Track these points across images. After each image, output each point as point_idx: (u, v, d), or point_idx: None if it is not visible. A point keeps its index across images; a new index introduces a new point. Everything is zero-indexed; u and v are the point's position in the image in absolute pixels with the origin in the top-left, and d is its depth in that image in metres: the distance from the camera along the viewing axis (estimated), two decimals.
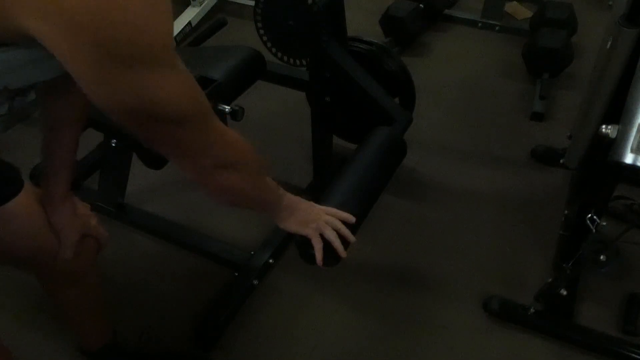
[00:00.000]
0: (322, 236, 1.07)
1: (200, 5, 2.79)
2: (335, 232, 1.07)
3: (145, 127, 0.71)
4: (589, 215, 1.28)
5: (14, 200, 0.92)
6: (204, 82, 1.31)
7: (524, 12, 2.84)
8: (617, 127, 1.09)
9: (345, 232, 1.09)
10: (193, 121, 0.74)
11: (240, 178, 0.87)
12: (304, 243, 1.10)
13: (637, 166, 1.04)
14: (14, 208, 0.93)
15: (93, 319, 1.29)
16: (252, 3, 1.49)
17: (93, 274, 1.18)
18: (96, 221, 1.11)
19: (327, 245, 1.09)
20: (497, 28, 2.72)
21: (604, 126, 1.11)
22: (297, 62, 1.55)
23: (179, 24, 2.68)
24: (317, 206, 1.11)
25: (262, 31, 1.53)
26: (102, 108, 0.66)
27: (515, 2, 2.92)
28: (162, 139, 0.75)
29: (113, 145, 1.62)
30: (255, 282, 1.62)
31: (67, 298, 1.19)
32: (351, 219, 1.13)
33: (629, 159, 1.05)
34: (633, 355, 1.43)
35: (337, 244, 1.07)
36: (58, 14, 0.57)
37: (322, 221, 1.07)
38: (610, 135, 1.10)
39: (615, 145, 1.07)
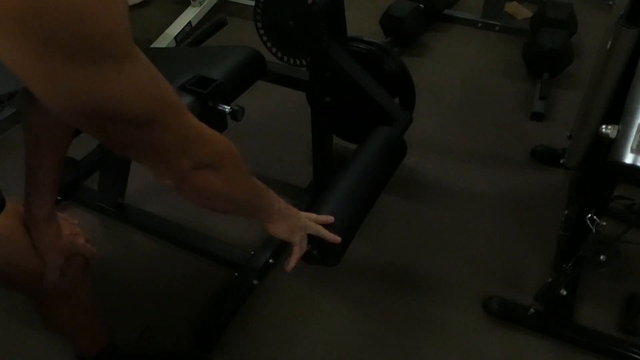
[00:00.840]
0: (310, 237, 1.07)
1: (200, 5, 2.79)
2: (307, 246, 1.07)
3: (106, 130, 0.63)
4: (589, 215, 1.28)
5: None
6: (204, 82, 1.31)
7: (524, 12, 2.84)
8: (617, 127, 1.09)
9: (329, 237, 1.09)
10: (161, 120, 0.65)
11: (223, 178, 0.79)
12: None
13: (637, 166, 1.03)
14: None
15: (87, 329, 1.27)
16: (252, 3, 1.49)
17: (83, 290, 1.14)
18: (84, 240, 1.05)
19: (324, 244, 1.09)
20: (497, 28, 2.72)
21: (604, 126, 1.11)
22: (297, 62, 1.55)
23: (179, 24, 2.68)
24: (301, 212, 1.08)
25: (262, 31, 1.53)
26: (53, 111, 0.59)
27: (515, 2, 2.92)
28: (129, 143, 0.66)
29: None
30: (255, 282, 1.62)
31: (59, 314, 1.16)
32: (329, 219, 1.12)
33: (629, 159, 1.04)
34: (633, 355, 1.43)
35: (296, 257, 1.07)
36: None
37: (307, 230, 1.06)
38: (610, 135, 1.10)
39: (615, 145, 1.07)
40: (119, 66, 0.57)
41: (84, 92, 0.57)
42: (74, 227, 1.05)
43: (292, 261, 1.07)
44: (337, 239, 1.10)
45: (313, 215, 1.11)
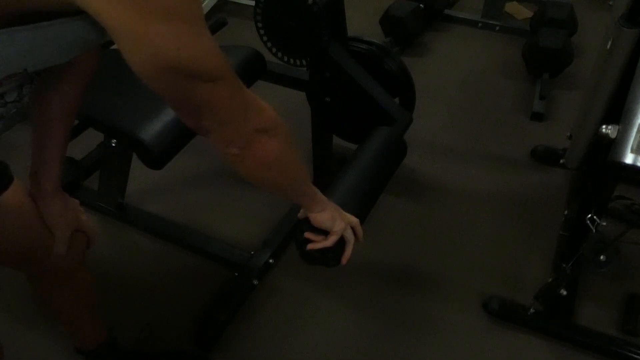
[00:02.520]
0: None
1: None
2: (353, 237, 1.10)
3: (184, 88, 0.70)
4: (589, 215, 1.28)
5: (4, 195, 0.91)
6: None
7: (524, 12, 2.84)
8: (617, 127, 1.09)
9: (359, 234, 1.13)
10: (228, 80, 0.74)
11: (279, 146, 0.86)
12: (304, 243, 1.10)
13: (637, 166, 1.03)
14: (5, 203, 0.92)
15: (87, 318, 1.28)
16: (252, 3, 1.49)
17: (84, 271, 1.17)
18: (86, 216, 1.10)
19: (334, 245, 1.10)
20: (497, 28, 2.72)
21: (604, 126, 1.11)
22: (297, 62, 1.55)
23: None
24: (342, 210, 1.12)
25: (262, 31, 1.53)
26: (138, 69, 0.66)
27: (515, 2, 2.92)
28: (202, 104, 0.74)
29: (113, 145, 1.61)
30: (255, 282, 1.62)
31: (59, 297, 1.18)
32: (360, 233, 1.15)
33: (629, 159, 1.04)
34: (633, 355, 1.43)
35: (350, 249, 1.10)
36: None
37: (348, 223, 1.09)
38: (610, 135, 1.09)
39: (615, 145, 1.07)
40: (200, 29, 0.68)
41: (173, 50, 0.65)
42: (77, 204, 1.09)
43: (319, 245, 1.08)
44: (361, 240, 1.13)
45: (355, 220, 1.13)
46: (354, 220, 1.12)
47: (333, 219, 1.06)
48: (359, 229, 1.13)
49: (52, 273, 1.10)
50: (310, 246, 1.08)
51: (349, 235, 1.10)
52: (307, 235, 1.08)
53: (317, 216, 1.05)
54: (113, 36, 0.65)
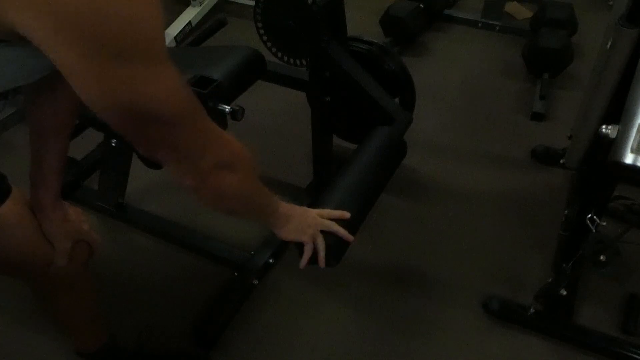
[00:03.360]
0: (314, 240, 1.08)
1: (200, 5, 2.79)
2: (323, 242, 1.08)
3: (139, 128, 0.68)
4: (589, 215, 1.28)
5: (2, 207, 0.90)
6: (204, 82, 1.31)
7: (524, 12, 2.84)
8: (617, 127, 1.09)
9: (344, 233, 1.10)
10: (188, 120, 0.71)
11: (239, 180, 0.84)
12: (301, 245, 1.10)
13: (637, 166, 1.03)
14: (4, 215, 0.91)
15: (88, 323, 1.28)
16: (252, 3, 1.49)
17: (86, 278, 1.16)
18: (88, 226, 1.08)
19: (325, 243, 1.09)
20: (497, 28, 2.72)
21: (604, 126, 1.11)
22: (297, 62, 1.55)
23: (179, 24, 2.68)
24: (311, 210, 1.10)
25: (262, 31, 1.53)
26: (93, 108, 0.63)
27: (515, 2, 2.92)
28: (158, 141, 0.71)
29: (113, 145, 1.61)
30: (255, 282, 1.62)
31: (61, 304, 1.18)
32: (346, 215, 1.13)
33: (629, 159, 1.04)
34: (633, 355, 1.43)
35: (322, 255, 1.08)
36: (46, 8, 0.55)
37: (318, 227, 1.07)
38: (610, 135, 1.09)
39: (615, 145, 1.07)
40: (158, 69, 0.63)
41: (128, 92, 0.61)
42: (79, 213, 1.07)
43: (304, 259, 1.08)
44: (349, 236, 1.11)
45: (326, 211, 1.12)
46: (327, 223, 1.09)
47: (298, 230, 1.05)
48: (341, 230, 1.10)
49: (53, 282, 1.09)
50: (301, 265, 1.08)
51: (319, 243, 1.07)
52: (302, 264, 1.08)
53: (281, 232, 1.04)
54: (60, 70, 0.61)
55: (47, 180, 0.99)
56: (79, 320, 1.25)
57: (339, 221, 1.12)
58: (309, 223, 1.07)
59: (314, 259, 1.10)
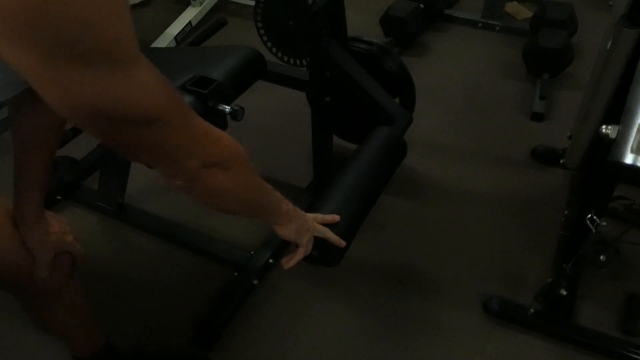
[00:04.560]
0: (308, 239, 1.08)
1: (200, 5, 2.79)
2: (310, 248, 1.08)
3: (114, 133, 0.64)
4: (589, 215, 1.28)
5: None
6: (204, 82, 1.31)
7: (524, 12, 2.84)
8: (617, 127, 1.09)
9: (335, 240, 1.11)
10: (166, 121, 0.66)
11: (231, 178, 0.80)
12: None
13: (637, 166, 1.04)
14: None
15: (81, 330, 1.27)
16: (252, 3, 1.49)
17: (73, 288, 1.15)
18: (72, 237, 1.07)
19: (325, 243, 1.09)
20: (497, 28, 2.72)
21: (604, 126, 1.11)
22: (297, 62, 1.55)
23: (179, 24, 2.68)
24: (308, 215, 1.09)
25: (262, 31, 1.52)
26: (60, 113, 0.60)
27: (515, 2, 2.92)
28: (136, 145, 0.67)
29: None
30: (255, 282, 1.62)
31: (49, 314, 1.17)
32: (335, 219, 1.13)
33: (629, 159, 1.05)
34: (633, 355, 1.43)
35: (298, 258, 1.08)
36: None
37: (312, 233, 1.07)
38: (610, 135, 1.10)
39: (615, 146, 1.07)
40: (126, 70, 0.59)
41: (92, 96, 0.58)
42: (63, 225, 1.06)
43: (293, 261, 1.07)
44: (342, 242, 1.11)
45: (320, 216, 1.12)
46: (322, 229, 1.09)
47: (298, 232, 1.04)
48: (333, 237, 1.10)
49: (37, 293, 1.08)
50: (284, 262, 1.08)
51: (309, 249, 1.08)
52: (284, 262, 1.08)
53: (281, 229, 1.02)
54: (29, 82, 0.57)
55: (30, 193, 0.98)
56: (71, 329, 1.24)
57: (332, 226, 1.12)
58: (308, 227, 1.06)
59: (310, 257, 1.10)
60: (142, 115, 0.63)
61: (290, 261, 1.08)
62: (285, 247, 1.70)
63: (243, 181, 0.84)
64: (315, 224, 1.08)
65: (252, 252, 1.68)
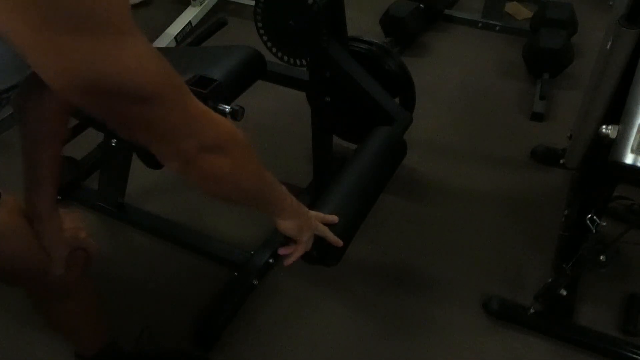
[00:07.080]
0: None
1: (200, 5, 2.79)
2: (309, 246, 1.07)
3: (109, 108, 0.62)
4: (589, 215, 1.28)
5: None
6: (204, 82, 1.31)
7: (524, 12, 2.84)
8: (617, 127, 1.09)
9: (333, 239, 1.10)
10: (163, 97, 0.64)
11: (231, 163, 0.77)
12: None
13: (637, 166, 1.03)
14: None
15: (88, 328, 1.26)
16: (252, 3, 1.49)
17: (85, 286, 1.14)
18: (85, 234, 1.05)
19: (324, 243, 1.09)
20: (497, 28, 2.72)
21: (604, 126, 1.11)
22: (297, 62, 1.55)
23: (179, 24, 2.68)
24: (310, 212, 1.09)
25: (262, 31, 1.52)
26: (54, 86, 0.58)
27: (515, 2, 2.92)
28: (132, 122, 0.65)
29: (113, 145, 1.61)
30: (255, 282, 1.62)
31: (60, 311, 1.16)
32: (334, 219, 1.13)
33: (629, 159, 1.04)
34: (633, 355, 1.43)
35: (297, 255, 1.07)
36: None
37: (313, 231, 1.07)
38: (610, 135, 1.09)
39: (615, 146, 1.07)
40: (121, 40, 0.58)
41: (87, 66, 0.56)
42: (77, 220, 1.05)
43: (293, 257, 1.07)
44: (339, 242, 1.11)
45: (320, 215, 1.11)
46: (321, 228, 1.08)
47: (299, 228, 1.02)
48: (331, 237, 1.10)
49: (51, 290, 1.07)
50: (284, 257, 1.07)
51: (308, 246, 1.07)
52: (281, 251, 1.08)
53: (282, 223, 1.00)
54: (23, 57, 0.56)
55: (42, 188, 0.97)
56: (79, 327, 1.24)
57: (331, 226, 1.11)
58: (310, 225, 1.06)
59: (310, 257, 1.10)
60: (138, 89, 0.61)
61: (290, 259, 1.07)
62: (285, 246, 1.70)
63: (243, 168, 0.82)
64: (317, 223, 1.08)
65: (252, 252, 1.68)
